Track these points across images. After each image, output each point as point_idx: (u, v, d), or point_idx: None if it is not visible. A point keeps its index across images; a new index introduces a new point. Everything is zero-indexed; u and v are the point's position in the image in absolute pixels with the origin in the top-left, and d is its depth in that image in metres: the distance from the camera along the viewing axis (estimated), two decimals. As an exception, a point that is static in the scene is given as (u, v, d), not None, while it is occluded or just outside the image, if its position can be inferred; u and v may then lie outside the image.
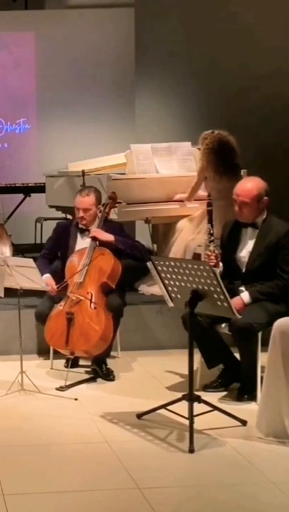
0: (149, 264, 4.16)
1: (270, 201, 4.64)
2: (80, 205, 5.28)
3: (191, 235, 6.09)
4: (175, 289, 4.07)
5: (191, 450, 3.82)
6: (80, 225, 5.33)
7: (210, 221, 4.66)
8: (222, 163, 5.85)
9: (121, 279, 5.14)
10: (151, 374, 5.20)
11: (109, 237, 5.19)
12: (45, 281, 5.00)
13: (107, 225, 5.34)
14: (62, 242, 5.42)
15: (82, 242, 5.29)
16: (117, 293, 5.14)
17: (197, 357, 4.58)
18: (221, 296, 3.88)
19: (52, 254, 5.47)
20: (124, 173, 6.30)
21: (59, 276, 5.27)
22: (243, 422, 4.16)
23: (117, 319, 5.06)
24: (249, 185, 4.63)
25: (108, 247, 5.17)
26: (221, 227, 4.91)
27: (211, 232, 4.61)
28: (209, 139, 5.90)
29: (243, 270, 4.66)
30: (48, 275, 5.22)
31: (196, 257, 5.83)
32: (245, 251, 4.67)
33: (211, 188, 5.79)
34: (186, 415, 3.94)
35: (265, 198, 4.61)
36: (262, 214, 4.65)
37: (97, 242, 5.18)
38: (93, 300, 4.98)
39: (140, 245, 5.37)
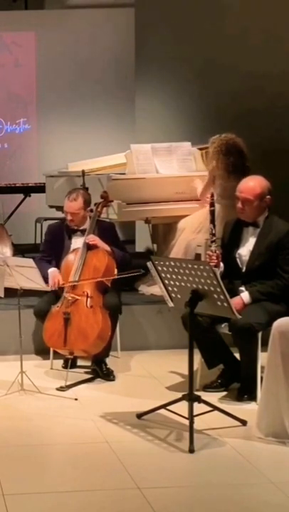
0: (149, 264, 4.15)
1: (272, 201, 4.64)
2: (67, 209, 5.31)
3: (191, 235, 6.09)
4: (175, 289, 4.07)
5: (191, 450, 3.82)
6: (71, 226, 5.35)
7: (212, 221, 4.66)
8: (232, 162, 5.87)
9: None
10: (151, 374, 5.20)
11: (106, 248, 5.20)
12: (51, 274, 5.05)
13: (99, 224, 5.35)
14: (57, 243, 5.42)
15: (77, 241, 5.30)
16: (115, 291, 5.14)
17: (197, 357, 4.57)
18: (221, 296, 3.87)
19: (50, 256, 5.42)
20: (124, 173, 6.30)
21: None
22: (243, 422, 4.16)
23: (114, 318, 5.05)
24: (252, 183, 4.63)
25: None
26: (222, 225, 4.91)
27: (213, 232, 4.61)
28: (217, 142, 5.94)
29: (244, 269, 4.66)
30: (54, 269, 5.20)
31: (197, 257, 5.83)
32: (246, 250, 4.67)
33: (218, 185, 5.81)
34: (186, 415, 3.94)
35: (268, 196, 4.61)
36: (264, 213, 4.65)
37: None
38: (89, 299, 4.98)
39: (128, 259, 5.37)
